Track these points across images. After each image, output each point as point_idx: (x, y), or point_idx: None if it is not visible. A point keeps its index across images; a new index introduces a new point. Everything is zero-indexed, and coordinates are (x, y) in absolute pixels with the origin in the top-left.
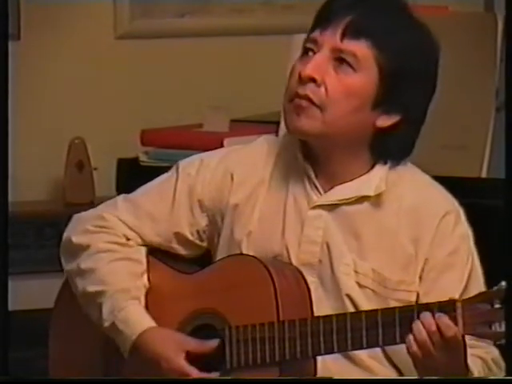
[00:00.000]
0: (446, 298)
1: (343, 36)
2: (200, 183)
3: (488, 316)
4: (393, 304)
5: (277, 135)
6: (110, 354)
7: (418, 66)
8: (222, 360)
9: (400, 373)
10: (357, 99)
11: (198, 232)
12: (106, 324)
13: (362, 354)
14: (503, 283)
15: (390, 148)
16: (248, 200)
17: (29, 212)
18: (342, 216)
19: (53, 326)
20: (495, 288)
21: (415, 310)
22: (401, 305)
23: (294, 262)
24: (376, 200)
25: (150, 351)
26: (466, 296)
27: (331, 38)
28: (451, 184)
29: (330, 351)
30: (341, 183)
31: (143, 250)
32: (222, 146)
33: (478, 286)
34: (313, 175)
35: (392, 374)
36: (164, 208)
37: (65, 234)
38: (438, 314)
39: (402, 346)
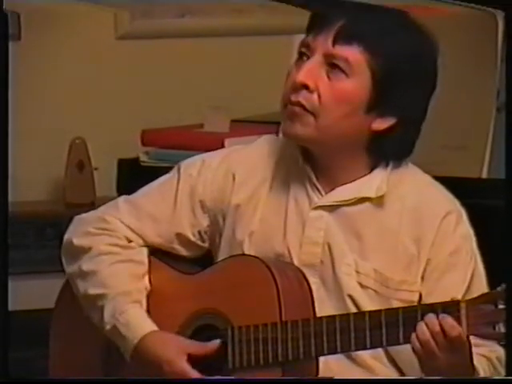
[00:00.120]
0: (448, 298)
1: (335, 41)
2: (201, 184)
3: (492, 316)
4: (395, 304)
5: (277, 135)
6: (111, 354)
7: (413, 68)
8: (224, 360)
9: (402, 373)
10: (350, 104)
11: (199, 233)
12: (108, 327)
13: (364, 355)
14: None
15: (387, 150)
16: (250, 200)
17: (29, 212)
18: (344, 217)
19: (53, 327)
20: (499, 288)
21: (419, 311)
22: (403, 305)
23: (296, 262)
24: (377, 201)
25: (152, 354)
26: (468, 296)
27: (323, 44)
28: (451, 184)
29: (333, 351)
30: (341, 184)
31: (145, 250)
32: (222, 146)
33: (481, 286)
34: (313, 177)
35: (394, 375)
36: (165, 209)
37: (66, 236)
38: (441, 315)
39: (405, 347)
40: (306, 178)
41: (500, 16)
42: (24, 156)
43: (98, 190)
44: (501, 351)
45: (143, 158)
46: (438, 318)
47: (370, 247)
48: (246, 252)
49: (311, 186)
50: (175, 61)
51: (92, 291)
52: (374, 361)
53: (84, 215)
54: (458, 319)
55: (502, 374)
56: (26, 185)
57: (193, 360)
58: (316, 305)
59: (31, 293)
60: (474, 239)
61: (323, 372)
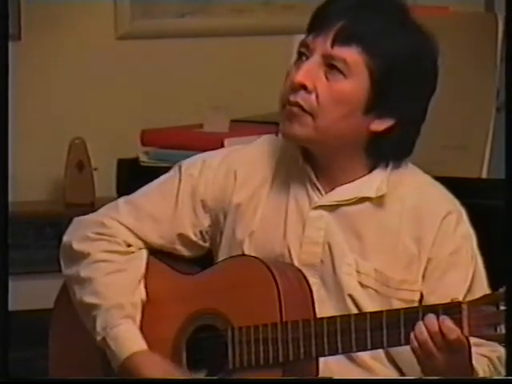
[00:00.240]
0: (450, 298)
1: (334, 42)
2: (203, 183)
3: (493, 318)
4: (396, 304)
5: (277, 135)
6: None
7: (412, 69)
8: (224, 361)
9: (402, 373)
10: (348, 105)
11: (201, 233)
12: (98, 338)
13: (363, 355)
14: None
15: (386, 151)
16: (250, 200)
17: (29, 212)
18: (344, 216)
19: (53, 327)
20: (500, 290)
21: (420, 312)
22: (404, 304)
23: (296, 262)
24: (377, 201)
25: (137, 374)
26: (469, 296)
27: (322, 44)
28: (451, 184)
29: (334, 352)
30: (341, 184)
31: (144, 253)
32: (222, 146)
33: (482, 285)
34: (313, 176)
35: (394, 375)
36: (167, 209)
37: (65, 238)
38: (442, 317)
39: (405, 347)
40: (306, 178)
41: (500, 16)
42: (24, 156)
43: (97, 190)
44: (502, 351)
45: (143, 158)
46: (438, 318)
47: (370, 247)
48: (246, 252)
49: (311, 185)
50: (175, 61)
51: (87, 300)
52: (373, 361)
53: (84, 218)
54: (459, 320)
55: (502, 373)
56: (25, 185)
57: (195, 358)
58: (316, 305)
59: (31, 293)
60: (474, 239)
61: (323, 372)
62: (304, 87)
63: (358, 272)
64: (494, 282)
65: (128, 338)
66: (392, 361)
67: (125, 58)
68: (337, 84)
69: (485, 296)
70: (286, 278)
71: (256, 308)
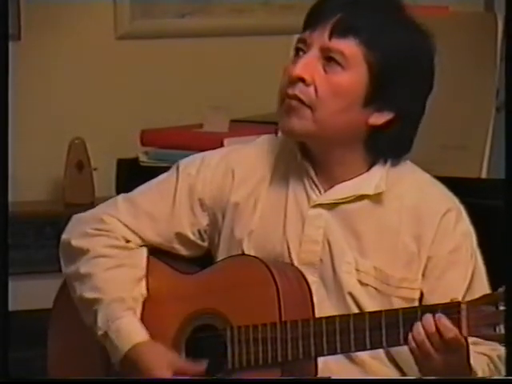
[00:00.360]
0: (450, 296)
1: (331, 35)
2: (201, 182)
3: (493, 318)
4: (395, 302)
5: (277, 135)
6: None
7: (410, 63)
8: (223, 360)
9: (402, 372)
10: (346, 98)
11: (199, 231)
12: (100, 332)
13: (363, 354)
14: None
15: (385, 146)
16: (249, 199)
17: (29, 212)
18: (343, 215)
19: (52, 326)
20: (500, 290)
21: (419, 312)
22: (403, 302)
23: (295, 261)
24: (376, 198)
25: (140, 366)
26: (470, 294)
27: (320, 38)
28: (451, 184)
29: (332, 352)
30: (340, 182)
31: (144, 251)
32: (222, 146)
33: (482, 283)
34: (313, 174)
35: (394, 374)
36: (165, 208)
37: (64, 236)
38: (438, 315)
39: (406, 347)
40: (305, 175)
41: (500, 15)
42: (24, 156)
43: (97, 190)
44: (502, 349)
45: (142, 158)
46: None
47: (369, 245)
48: (246, 251)
49: (310, 183)
50: (175, 61)
51: (87, 295)
52: (373, 361)
53: (82, 214)
54: (458, 320)
55: (503, 372)
56: (25, 185)
57: (195, 358)
58: (316, 303)
59: (31, 293)
60: (474, 236)
61: (322, 372)
62: (302, 80)
63: (357, 270)
64: (494, 282)
65: (130, 330)
66: (392, 360)
67: (125, 58)
68: (335, 76)
69: (484, 296)
70: (285, 278)
71: (255, 308)
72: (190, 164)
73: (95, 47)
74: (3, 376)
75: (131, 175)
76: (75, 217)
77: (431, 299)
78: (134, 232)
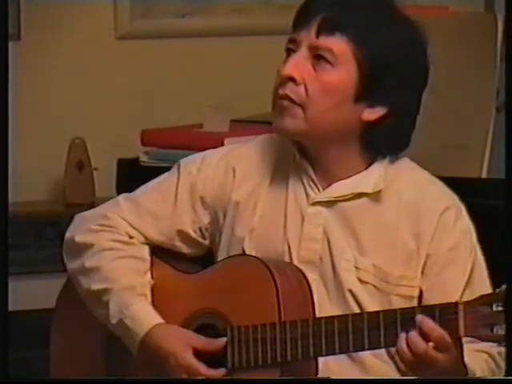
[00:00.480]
0: (449, 294)
1: (319, 33)
2: (202, 181)
3: (489, 319)
4: (395, 299)
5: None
6: (112, 353)
7: (400, 58)
8: (223, 360)
9: (403, 370)
10: (337, 95)
11: (200, 229)
12: (114, 321)
13: (363, 353)
14: (505, 286)
15: (381, 142)
16: (249, 197)
17: (29, 212)
18: (341, 213)
19: (54, 326)
20: (497, 290)
21: (417, 312)
22: (403, 300)
23: (295, 259)
24: (375, 196)
25: (158, 348)
26: (469, 291)
27: (307, 36)
28: (451, 184)
29: (331, 352)
30: (338, 180)
31: (146, 248)
32: (222, 146)
33: (482, 281)
34: (311, 172)
35: (394, 372)
36: (166, 206)
37: (67, 234)
38: (419, 318)
39: None
40: (304, 173)
41: (500, 16)
42: (24, 156)
43: (97, 190)
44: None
45: (143, 158)
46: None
47: (368, 242)
48: (247, 249)
49: (309, 181)
50: (175, 61)
51: (96, 287)
52: (374, 359)
53: (85, 213)
54: (455, 321)
55: (503, 367)
56: (26, 185)
57: (198, 354)
58: (316, 301)
59: (31, 293)
60: (473, 233)
61: (323, 371)
62: (292, 79)
63: (356, 268)
64: (494, 282)
65: (145, 314)
66: (392, 357)
67: (125, 58)
68: (325, 74)
69: (481, 296)
70: (285, 278)
71: (255, 308)
72: (191, 163)
73: (95, 47)
74: (3, 376)
75: (132, 175)
76: (78, 215)
77: (430, 297)
78: (136, 230)
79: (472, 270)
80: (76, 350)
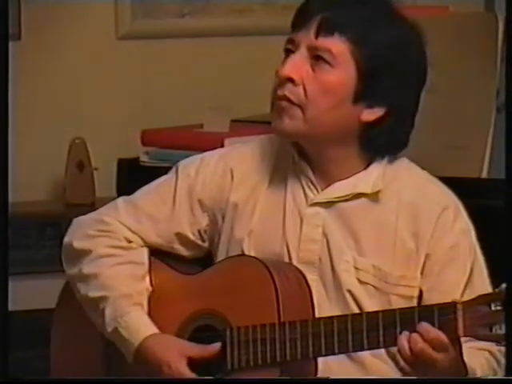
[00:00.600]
0: (449, 293)
1: (317, 33)
2: (200, 183)
3: (488, 318)
4: (394, 299)
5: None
6: (111, 354)
7: (398, 59)
8: (223, 361)
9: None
10: (336, 95)
11: (199, 232)
12: (109, 329)
13: (363, 353)
14: (504, 285)
15: (379, 142)
16: (248, 199)
17: (29, 212)
18: (340, 213)
19: (55, 326)
20: (496, 290)
21: (416, 312)
22: (402, 300)
23: (295, 260)
24: (374, 196)
25: (152, 357)
26: (470, 290)
27: (306, 37)
28: (452, 184)
29: (330, 352)
30: (337, 180)
31: (145, 251)
32: (222, 146)
33: (482, 280)
34: (310, 173)
35: (394, 371)
36: (165, 209)
37: (66, 239)
38: (418, 325)
39: None
40: (303, 175)
41: (500, 16)
42: (24, 156)
43: (98, 190)
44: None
45: (143, 158)
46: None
47: (367, 243)
48: (246, 251)
49: (307, 182)
50: (176, 61)
51: (93, 294)
52: (374, 359)
53: (83, 217)
54: (454, 321)
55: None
56: (26, 185)
57: (193, 362)
58: (316, 302)
59: (31, 293)
60: (472, 233)
61: (323, 371)
62: (291, 80)
63: (356, 268)
64: (494, 283)
65: (140, 324)
66: (393, 357)
67: (125, 57)
68: (323, 75)
69: (480, 296)
70: (284, 278)
71: (254, 308)
72: (189, 165)
73: (96, 47)
74: (3, 376)
75: (132, 175)
76: (76, 220)
77: (430, 297)
78: (135, 233)
79: (472, 270)
80: (76, 350)
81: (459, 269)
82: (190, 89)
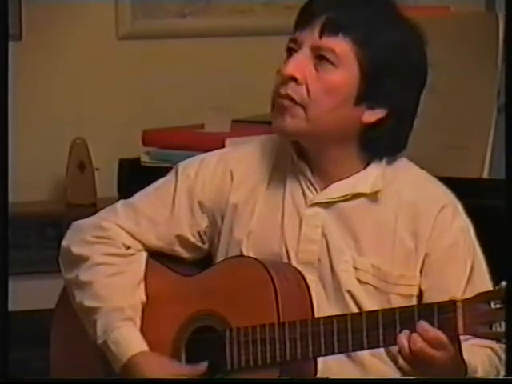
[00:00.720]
0: (449, 292)
1: (322, 33)
2: (200, 184)
3: (488, 316)
4: (394, 299)
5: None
6: None
7: (401, 60)
8: (222, 361)
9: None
10: (338, 95)
11: (199, 233)
12: (99, 341)
13: (363, 353)
14: (503, 283)
15: (379, 144)
16: (247, 200)
17: (30, 212)
18: (340, 213)
19: (54, 326)
20: (496, 288)
21: (415, 311)
22: (402, 299)
23: (294, 261)
24: (373, 196)
25: (139, 376)
26: (470, 288)
27: (310, 36)
28: (452, 184)
29: (330, 352)
30: (336, 181)
31: (143, 255)
32: (223, 146)
33: (483, 278)
34: (309, 174)
35: (394, 371)
36: (164, 211)
37: (64, 243)
38: (418, 324)
39: None
40: (302, 175)
41: (501, 16)
42: (25, 156)
43: (99, 191)
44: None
45: (144, 158)
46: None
47: (366, 243)
48: (245, 251)
49: (306, 182)
50: (176, 61)
51: (87, 303)
52: (374, 359)
53: (82, 222)
54: (454, 319)
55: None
56: (27, 185)
57: (193, 358)
58: (315, 303)
59: (31, 293)
60: (471, 231)
61: (322, 371)
62: (294, 79)
63: (355, 268)
64: (494, 282)
65: (129, 340)
66: (393, 358)
67: (126, 58)
68: (327, 75)
69: (480, 294)
70: (284, 279)
71: (254, 309)
72: (189, 166)
73: (96, 47)
74: (3, 376)
75: (133, 175)
76: (75, 224)
77: (430, 296)
78: (134, 237)
79: (472, 268)
80: (76, 351)
81: (459, 267)
82: (191, 89)
